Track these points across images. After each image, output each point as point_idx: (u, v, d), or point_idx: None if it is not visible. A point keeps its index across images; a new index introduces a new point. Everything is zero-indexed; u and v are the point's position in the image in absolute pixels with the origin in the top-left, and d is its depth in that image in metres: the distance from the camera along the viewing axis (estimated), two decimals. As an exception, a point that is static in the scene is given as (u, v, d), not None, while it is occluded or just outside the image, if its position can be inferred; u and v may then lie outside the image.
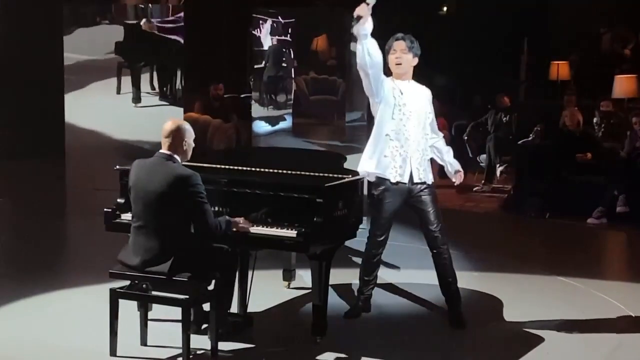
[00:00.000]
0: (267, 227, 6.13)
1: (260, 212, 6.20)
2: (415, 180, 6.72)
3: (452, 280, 6.89)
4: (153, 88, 12.79)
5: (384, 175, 6.69)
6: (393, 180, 6.69)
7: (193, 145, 6.05)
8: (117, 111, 12.51)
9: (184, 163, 5.97)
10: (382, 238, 6.86)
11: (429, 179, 6.80)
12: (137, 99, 12.61)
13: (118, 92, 12.47)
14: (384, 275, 8.21)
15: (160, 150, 5.95)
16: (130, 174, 5.97)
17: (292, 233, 6.03)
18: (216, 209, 6.17)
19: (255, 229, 6.11)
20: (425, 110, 6.82)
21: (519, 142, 12.24)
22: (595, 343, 6.61)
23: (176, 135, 5.94)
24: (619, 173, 11.14)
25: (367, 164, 6.72)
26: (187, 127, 6.03)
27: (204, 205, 5.78)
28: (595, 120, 12.67)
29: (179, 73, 12.27)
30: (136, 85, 12.65)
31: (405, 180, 6.70)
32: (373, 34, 6.63)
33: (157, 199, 5.77)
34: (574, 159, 11.35)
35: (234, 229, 5.99)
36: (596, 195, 11.09)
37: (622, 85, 13.49)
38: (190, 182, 5.75)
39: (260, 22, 10.87)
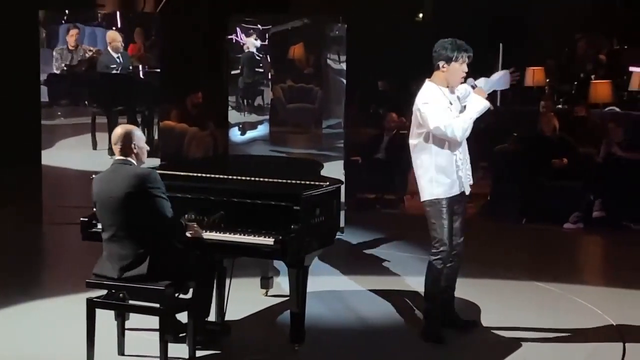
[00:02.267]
0: (244, 234, 6.14)
1: (214, 216, 6.19)
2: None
3: (453, 289, 6.93)
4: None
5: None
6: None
7: (146, 147, 6.08)
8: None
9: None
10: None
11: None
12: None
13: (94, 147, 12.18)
14: (363, 282, 8.24)
15: (115, 157, 5.98)
16: (93, 189, 5.99)
17: (269, 241, 6.04)
18: (193, 217, 6.18)
19: (233, 237, 6.12)
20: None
21: (495, 148, 12.29)
22: (573, 348, 6.64)
23: (125, 139, 5.96)
24: (595, 178, 11.20)
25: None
26: (136, 131, 6.07)
27: (163, 202, 5.83)
28: (571, 126, 12.73)
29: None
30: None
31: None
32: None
33: (121, 203, 5.79)
34: (550, 165, 11.40)
35: (188, 233, 6.01)
36: (572, 201, 11.15)
37: (597, 90, 13.56)
38: (149, 179, 5.80)
39: (238, 28, 10.87)
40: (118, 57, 11.86)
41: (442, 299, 6.88)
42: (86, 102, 11.96)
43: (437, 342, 6.59)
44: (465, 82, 6.65)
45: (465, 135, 6.47)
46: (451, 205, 6.54)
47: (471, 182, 6.72)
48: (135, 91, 11.83)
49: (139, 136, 6.03)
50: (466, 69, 6.55)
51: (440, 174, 6.50)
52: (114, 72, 11.84)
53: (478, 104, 6.51)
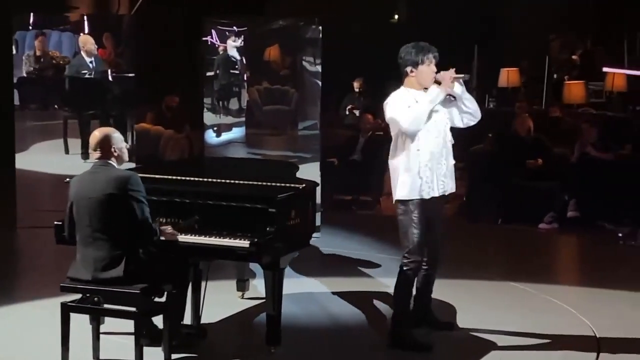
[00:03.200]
0: (220, 237, 6.13)
1: (190, 219, 6.18)
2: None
3: (430, 291, 6.96)
4: None
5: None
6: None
7: (125, 148, 6.06)
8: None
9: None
10: None
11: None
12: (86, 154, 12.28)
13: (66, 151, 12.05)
14: (339, 284, 8.25)
15: (95, 159, 5.98)
16: (70, 191, 5.96)
17: (245, 243, 6.03)
18: (169, 220, 6.17)
19: (208, 240, 6.12)
20: (442, 116, 6.62)
21: (471, 149, 12.32)
22: (548, 348, 6.67)
23: (104, 143, 5.95)
24: (569, 178, 11.25)
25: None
26: (114, 133, 6.05)
27: (142, 206, 5.81)
28: (545, 126, 12.80)
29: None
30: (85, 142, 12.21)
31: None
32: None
33: (100, 205, 5.78)
34: (525, 165, 11.44)
35: (162, 237, 5.99)
36: (547, 201, 11.20)
37: (571, 91, 13.64)
38: (130, 182, 5.80)
39: (213, 30, 10.84)
40: (91, 62, 11.82)
41: (420, 300, 6.91)
42: (56, 106, 11.91)
43: (404, 349, 6.58)
44: (457, 80, 6.55)
45: (414, 125, 6.38)
46: (423, 211, 6.52)
47: (448, 190, 6.66)
48: (107, 95, 11.78)
49: (117, 137, 6.01)
50: (435, 69, 6.53)
51: (406, 173, 6.48)
52: (87, 76, 11.80)
53: (430, 92, 6.47)
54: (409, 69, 6.53)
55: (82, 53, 11.67)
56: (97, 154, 5.94)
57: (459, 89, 6.56)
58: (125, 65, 11.67)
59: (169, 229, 6.07)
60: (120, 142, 6.01)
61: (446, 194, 6.65)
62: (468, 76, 6.66)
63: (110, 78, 11.81)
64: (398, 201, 6.55)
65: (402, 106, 6.46)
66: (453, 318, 7.27)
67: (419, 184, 6.48)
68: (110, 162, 5.93)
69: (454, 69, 6.52)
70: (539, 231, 10.97)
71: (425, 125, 6.46)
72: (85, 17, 12.07)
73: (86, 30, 11.78)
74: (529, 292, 8.17)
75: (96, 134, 6.00)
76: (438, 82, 6.55)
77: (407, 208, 6.50)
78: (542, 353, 6.60)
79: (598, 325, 7.14)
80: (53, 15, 12.16)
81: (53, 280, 6.38)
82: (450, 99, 6.62)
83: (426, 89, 6.54)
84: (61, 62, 11.75)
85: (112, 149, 5.95)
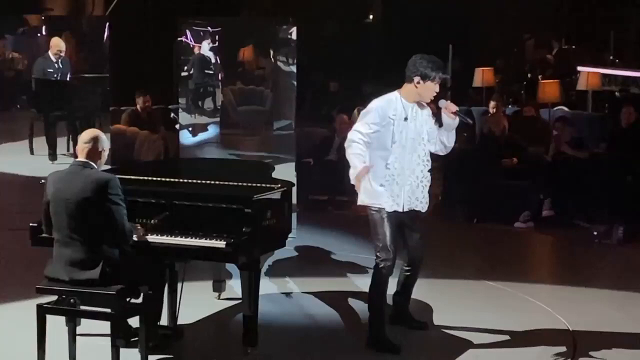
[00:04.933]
0: (195, 238, 6.12)
1: (157, 217, 6.18)
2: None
3: (410, 293, 6.99)
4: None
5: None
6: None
7: (107, 153, 6.05)
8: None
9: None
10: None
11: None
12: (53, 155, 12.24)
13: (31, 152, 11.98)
14: (315, 284, 8.25)
15: (77, 159, 5.95)
16: (47, 187, 5.94)
17: (221, 244, 6.03)
18: (144, 221, 6.16)
19: (185, 241, 6.11)
20: (421, 134, 6.61)
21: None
22: (524, 346, 6.70)
23: (96, 142, 5.96)
24: (544, 177, 11.29)
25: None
26: (104, 136, 6.08)
27: (121, 210, 5.81)
28: (520, 125, 12.85)
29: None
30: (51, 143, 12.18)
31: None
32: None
33: (78, 207, 5.76)
34: (500, 164, 11.48)
35: (135, 237, 6.01)
36: (523, 200, 11.24)
37: (545, 90, 13.69)
38: (110, 186, 5.79)
39: (188, 31, 10.82)
40: (57, 63, 11.78)
41: (398, 300, 6.92)
42: (18, 106, 11.87)
43: (379, 350, 6.58)
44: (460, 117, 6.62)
45: (348, 147, 6.49)
46: (394, 216, 6.53)
47: (417, 208, 6.65)
48: (75, 96, 11.75)
49: (106, 140, 6.04)
50: (438, 89, 6.55)
51: (373, 182, 6.50)
52: (53, 77, 11.78)
53: (353, 166, 6.48)
54: (417, 79, 6.49)
55: (50, 54, 11.63)
56: (85, 151, 5.92)
57: (455, 123, 6.59)
58: (91, 66, 11.64)
59: (137, 227, 6.08)
60: (107, 147, 6.03)
61: (415, 209, 6.65)
62: (471, 123, 6.70)
63: (74, 79, 11.79)
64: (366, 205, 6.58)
65: (369, 123, 6.46)
66: (429, 317, 7.29)
67: (380, 194, 6.50)
68: (90, 162, 5.91)
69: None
70: (514, 230, 11.00)
71: (400, 140, 6.48)
72: (44, 19, 12.02)
73: (44, 32, 11.75)
74: (504, 291, 8.20)
75: (88, 132, 6.03)
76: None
77: (377, 208, 6.51)
78: (518, 351, 6.63)
79: (573, 323, 7.18)
80: (11, 16, 12.11)
81: (28, 282, 6.34)
82: (437, 127, 6.64)
83: (418, 102, 6.55)
84: (20, 65, 11.73)
85: (102, 150, 5.96)
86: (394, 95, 6.59)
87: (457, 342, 6.76)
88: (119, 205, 5.80)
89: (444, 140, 6.65)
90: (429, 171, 6.68)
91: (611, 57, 16.25)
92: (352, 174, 6.47)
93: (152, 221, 6.19)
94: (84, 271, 5.77)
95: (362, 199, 6.59)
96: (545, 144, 11.80)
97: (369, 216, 6.58)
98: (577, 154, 11.29)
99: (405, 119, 6.51)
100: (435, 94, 6.57)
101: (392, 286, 6.86)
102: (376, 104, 6.57)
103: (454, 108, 6.55)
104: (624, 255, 9.84)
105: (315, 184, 11.94)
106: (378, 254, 6.53)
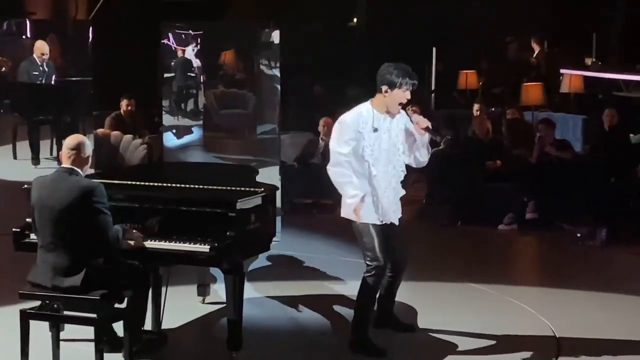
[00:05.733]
0: (180, 242, 6.11)
1: (153, 219, 6.16)
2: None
3: (394, 295, 7.00)
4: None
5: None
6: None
7: (90, 160, 6.06)
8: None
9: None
10: None
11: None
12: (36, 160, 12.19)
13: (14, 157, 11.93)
14: (300, 288, 8.24)
15: (62, 165, 5.95)
16: (32, 193, 5.93)
17: (205, 248, 6.03)
18: (127, 226, 6.14)
19: (168, 245, 6.10)
20: (396, 146, 6.60)
21: (430, 151, 12.35)
22: (508, 349, 6.71)
23: (81, 148, 5.96)
24: (527, 179, 11.32)
25: None
26: (89, 142, 6.09)
27: (106, 217, 5.81)
28: (503, 128, 12.89)
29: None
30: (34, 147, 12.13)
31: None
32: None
33: (63, 214, 5.76)
34: (484, 167, 11.51)
35: (129, 240, 5.98)
36: (507, 202, 11.25)
37: (528, 93, 13.73)
38: (95, 194, 5.79)
39: (170, 34, 10.81)
40: (42, 66, 11.74)
41: (383, 303, 6.93)
42: (1, 110, 11.82)
43: (364, 354, 6.57)
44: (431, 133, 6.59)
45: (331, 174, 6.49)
46: (378, 226, 6.54)
47: (390, 220, 6.64)
48: (59, 100, 11.71)
49: (89, 146, 6.04)
50: (409, 96, 6.51)
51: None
52: (38, 81, 11.74)
53: (345, 195, 6.48)
54: (384, 87, 6.47)
55: (35, 57, 11.59)
56: (71, 157, 5.91)
57: (426, 138, 6.58)
58: (75, 69, 11.62)
59: (136, 233, 6.05)
60: (90, 151, 6.02)
61: (388, 222, 6.64)
62: (441, 139, 6.69)
63: (59, 82, 11.76)
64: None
65: (346, 138, 6.45)
66: (414, 320, 7.29)
67: (371, 211, 6.50)
68: (75, 169, 5.91)
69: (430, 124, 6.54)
70: (498, 232, 11.02)
71: (374, 153, 6.49)
72: (27, 21, 12.00)
73: (28, 35, 11.73)
74: (489, 294, 8.22)
75: (73, 138, 6.03)
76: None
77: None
78: (502, 354, 6.63)
79: (558, 325, 7.20)
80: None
81: (12, 288, 6.31)
82: (413, 141, 6.63)
83: (388, 112, 6.53)
84: (4, 67, 11.70)
85: (87, 157, 5.96)
86: (365, 107, 6.57)
87: (442, 344, 6.77)
88: (105, 214, 5.80)
89: (417, 155, 6.66)
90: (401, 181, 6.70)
91: (593, 60, 16.32)
92: (350, 204, 6.44)
93: (149, 223, 6.16)
94: (67, 277, 5.76)
95: (346, 213, 6.58)
96: (529, 146, 11.82)
97: (354, 226, 6.58)
98: (561, 155, 11.32)
99: (375, 130, 6.48)
100: (404, 102, 6.52)
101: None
102: (347, 119, 6.53)
103: (425, 124, 6.52)
104: (607, 257, 9.88)
105: (300, 188, 11.95)
106: (368, 261, 6.52)
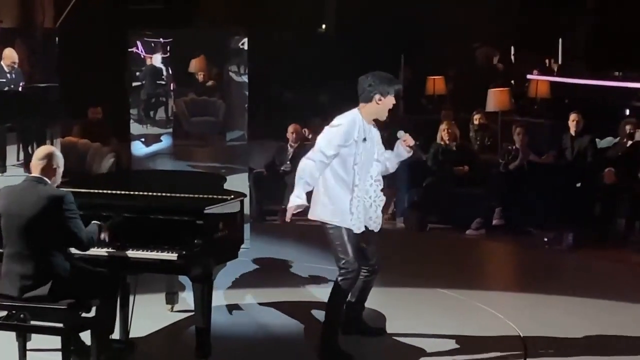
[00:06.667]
0: (147, 250, 6.11)
1: (117, 217, 6.17)
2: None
3: (364, 301, 7.02)
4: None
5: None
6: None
7: (62, 170, 6.04)
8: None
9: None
10: None
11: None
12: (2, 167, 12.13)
13: None
14: (269, 295, 8.25)
15: (31, 174, 5.94)
16: (0, 201, 5.89)
17: (172, 256, 6.03)
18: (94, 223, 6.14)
19: (136, 253, 6.10)
20: (372, 154, 6.65)
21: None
22: (476, 353, 6.74)
23: (51, 159, 5.96)
24: (495, 184, 11.37)
25: None
26: (60, 154, 6.09)
27: (77, 222, 5.82)
28: (471, 134, 12.96)
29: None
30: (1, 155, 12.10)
31: None
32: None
33: (31, 223, 5.75)
34: (452, 172, 11.56)
35: (103, 235, 6.04)
36: (474, 207, 11.32)
37: (495, 98, 13.79)
38: (64, 202, 5.78)
39: (139, 42, 10.79)
40: (9, 73, 11.68)
41: (353, 307, 6.94)
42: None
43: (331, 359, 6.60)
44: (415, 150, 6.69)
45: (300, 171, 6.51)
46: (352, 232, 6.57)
47: (371, 227, 6.69)
48: (26, 107, 11.66)
49: (61, 157, 6.04)
50: (394, 101, 6.61)
51: (338, 202, 6.53)
52: (5, 88, 11.68)
53: (294, 196, 6.51)
54: (377, 96, 6.52)
55: (2, 65, 11.54)
56: (40, 167, 5.91)
57: (408, 155, 6.69)
58: (43, 77, 11.57)
59: (103, 227, 6.10)
60: (62, 164, 6.03)
61: (369, 228, 6.68)
62: (424, 159, 6.75)
63: (26, 89, 11.72)
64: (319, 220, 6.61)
65: (335, 143, 6.47)
66: (382, 325, 7.31)
67: (337, 212, 6.52)
68: (44, 178, 5.91)
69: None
70: (466, 237, 11.08)
71: (360, 162, 6.53)
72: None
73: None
74: (457, 298, 8.26)
75: (44, 149, 6.05)
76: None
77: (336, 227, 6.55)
78: (470, 358, 6.67)
79: (525, 329, 7.24)
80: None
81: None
82: (390, 153, 6.70)
83: (373, 121, 6.59)
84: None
85: (57, 168, 5.96)
86: (357, 114, 6.58)
87: (410, 350, 6.79)
88: (76, 220, 5.81)
89: (388, 166, 6.75)
90: (381, 190, 6.72)
91: (559, 65, 16.44)
92: (292, 201, 6.49)
93: (109, 222, 6.16)
94: (34, 287, 5.74)
95: (318, 215, 6.60)
96: (496, 151, 11.88)
97: (327, 232, 6.60)
98: (543, 160, 11.34)
99: (364, 139, 6.55)
100: (390, 108, 6.61)
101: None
102: (344, 124, 6.54)
103: (412, 142, 6.62)
104: (574, 261, 9.96)
105: (269, 194, 11.96)
106: (342, 265, 6.54)
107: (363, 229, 6.64)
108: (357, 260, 6.56)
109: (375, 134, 6.67)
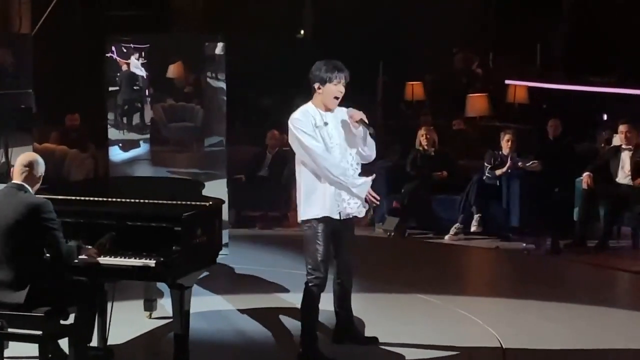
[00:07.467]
0: (125, 257, 6.07)
1: (105, 237, 6.11)
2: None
3: (349, 307, 6.98)
4: None
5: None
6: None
7: (41, 177, 6.03)
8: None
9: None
10: None
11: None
12: None
13: None
14: (247, 301, 8.23)
15: (12, 181, 5.91)
16: None
17: (151, 263, 5.99)
18: (73, 242, 6.09)
19: (114, 260, 6.06)
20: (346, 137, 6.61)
21: (378, 162, 12.40)
22: (455, 358, 6.74)
23: (33, 166, 5.95)
24: (474, 191, 11.38)
25: None
26: (42, 161, 6.08)
27: (56, 233, 5.78)
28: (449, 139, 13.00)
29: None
30: None
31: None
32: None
33: (9, 229, 5.72)
34: (431, 178, 11.58)
35: (85, 256, 5.95)
36: (453, 213, 11.34)
37: (474, 103, 13.85)
38: (42, 210, 5.75)
39: (115, 47, 10.73)
40: None
41: (340, 316, 6.92)
42: None
43: None
44: (364, 125, 6.58)
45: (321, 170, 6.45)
46: (329, 230, 6.54)
47: (354, 213, 6.64)
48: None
49: (42, 164, 6.03)
50: (342, 90, 6.54)
51: (311, 193, 6.51)
52: None
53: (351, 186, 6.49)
54: (316, 85, 6.53)
55: None
56: (25, 173, 5.90)
57: (360, 132, 6.58)
58: (19, 83, 11.47)
59: (92, 250, 6.01)
60: (42, 170, 6.00)
61: (350, 216, 6.66)
62: (373, 131, 6.66)
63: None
64: (304, 220, 6.58)
65: (309, 132, 6.44)
66: (362, 331, 7.29)
67: (327, 204, 6.49)
68: (25, 185, 5.88)
69: (365, 116, 6.54)
70: (445, 243, 11.10)
71: (330, 146, 6.49)
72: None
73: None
74: (435, 304, 8.26)
75: (26, 156, 6.05)
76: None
77: (311, 224, 6.52)
78: (449, 364, 6.68)
79: (504, 335, 7.24)
80: None
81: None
82: (353, 135, 6.63)
83: (327, 109, 6.56)
84: None
85: (38, 175, 5.95)
86: (308, 106, 6.58)
87: (390, 356, 6.79)
88: (54, 229, 5.78)
89: (360, 150, 6.67)
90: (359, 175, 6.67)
91: (538, 70, 16.49)
92: (363, 185, 6.46)
93: (101, 242, 6.10)
94: (11, 294, 5.70)
95: (299, 216, 6.59)
96: (474, 157, 11.91)
97: (304, 233, 6.59)
98: (532, 168, 11.32)
99: (326, 123, 6.52)
100: (338, 96, 6.54)
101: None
102: (298, 115, 6.53)
103: (358, 116, 6.56)
104: (552, 266, 9.98)
105: (247, 200, 11.95)
106: (310, 271, 6.54)
107: (344, 215, 6.57)
108: (326, 267, 6.53)
109: (339, 116, 6.59)
